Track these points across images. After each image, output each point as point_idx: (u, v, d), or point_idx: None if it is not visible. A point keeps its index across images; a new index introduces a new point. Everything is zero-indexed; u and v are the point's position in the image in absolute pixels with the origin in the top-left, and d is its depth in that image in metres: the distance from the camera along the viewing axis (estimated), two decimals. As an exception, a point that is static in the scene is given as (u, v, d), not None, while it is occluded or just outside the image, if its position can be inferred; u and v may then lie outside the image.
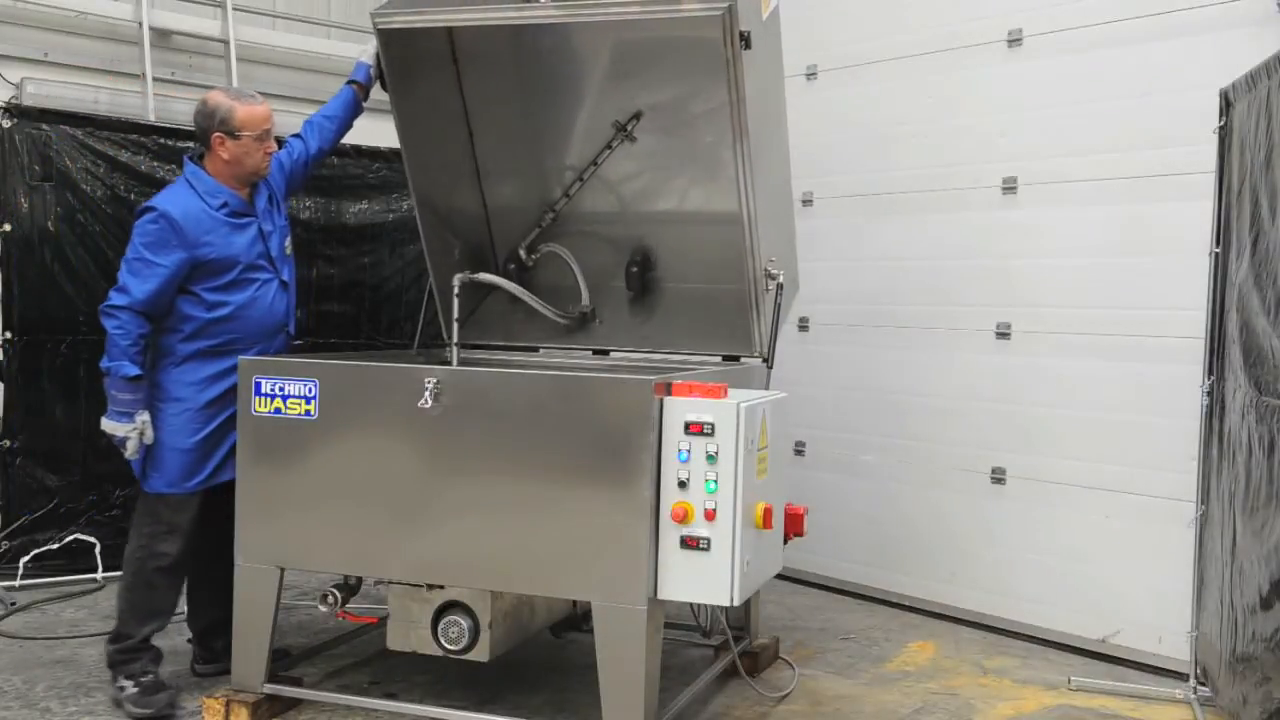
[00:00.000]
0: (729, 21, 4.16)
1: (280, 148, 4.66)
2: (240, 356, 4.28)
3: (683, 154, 4.96)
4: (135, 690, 4.32)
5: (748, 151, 4.38)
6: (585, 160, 5.13)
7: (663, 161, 5.02)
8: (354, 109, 4.89)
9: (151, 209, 4.31)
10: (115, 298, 4.24)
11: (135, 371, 4.22)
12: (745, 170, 4.42)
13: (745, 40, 4.22)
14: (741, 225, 4.51)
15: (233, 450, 4.34)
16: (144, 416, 4.27)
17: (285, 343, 4.60)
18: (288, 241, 4.65)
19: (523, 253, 5.25)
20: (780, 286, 4.69)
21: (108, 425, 4.28)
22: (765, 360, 4.73)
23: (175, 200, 4.35)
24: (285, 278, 4.58)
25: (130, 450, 4.28)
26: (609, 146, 5.05)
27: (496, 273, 5.20)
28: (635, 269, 5.07)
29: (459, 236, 5.23)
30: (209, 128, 4.39)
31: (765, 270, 4.63)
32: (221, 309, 4.36)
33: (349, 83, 4.89)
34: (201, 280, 4.33)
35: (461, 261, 5.14)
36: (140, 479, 4.43)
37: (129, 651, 4.37)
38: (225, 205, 4.40)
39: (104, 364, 4.25)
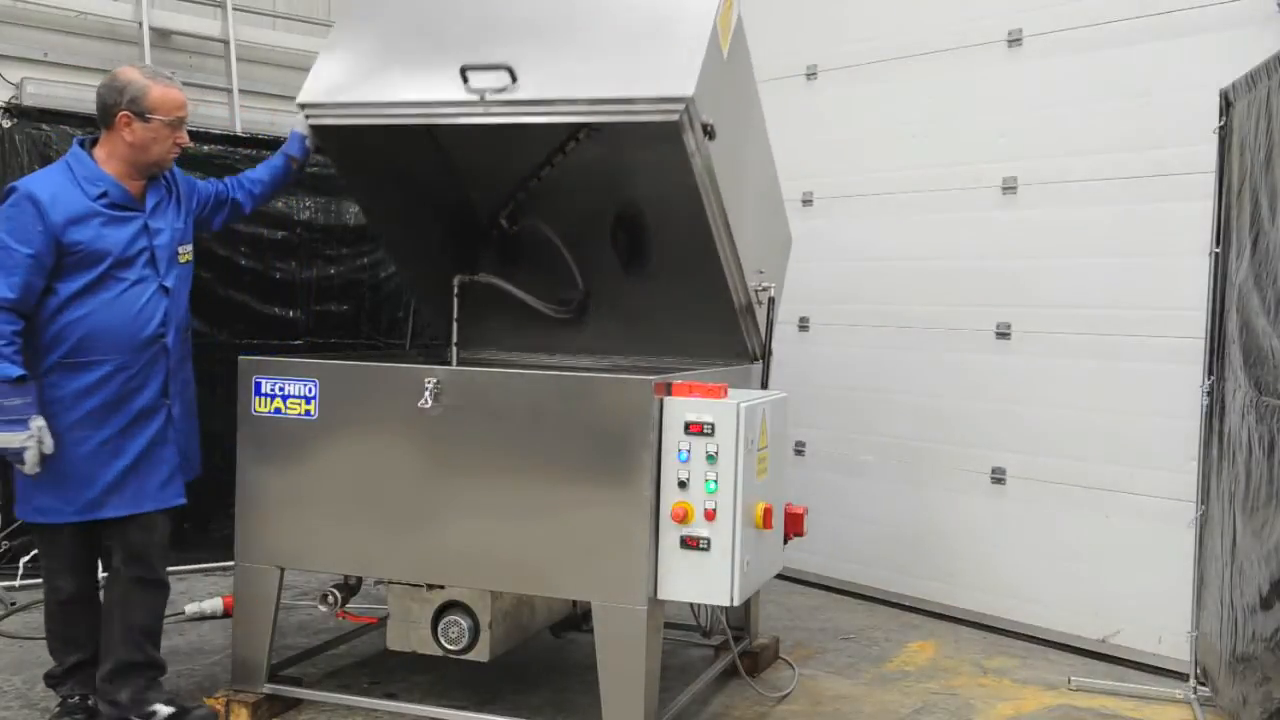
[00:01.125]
0: (688, 121, 3.92)
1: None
2: (108, 369, 3.90)
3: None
4: (57, 709, 4.18)
5: (727, 226, 4.26)
6: (553, 144, 4.88)
7: (634, 152, 4.73)
8: (283, 179, 4.58)
9: (14, 190, 3.89)
10: None
11: (18, 372, 3.75)
12: (726, 246, 4.31)
13: (709, 133, 4.00)
14: (726, 270, 4.42)
15: (119, 482, 3.96)
16: (39, 422, 3.77)
17: (162, 357, 4.05)
18: (185, 248, 4.19)
19: (504, 221, 5.13)
20: (772, 300, 4.66)
21: None
22: (761, 359, 4.72)
23: (44, 182, 3.93)
24: (169, 283, 4.07)
25: (30, 463, 3.77)
26: (574, 138, 4.80)
27: (485, 250, 5.15)
28: (621, 234, 4.94)
29: (437, 229, 5.16)
30: (115, 104, 3.94)
31: (755, 289, 4.61)
32: (78, 309, 3.89)
33: (283, 153, 4.56)
34: (63, 275, 3.88)
35: (441, 254, 5.08)
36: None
37: (53, 677, 4.21)
38: (105, 195, 3.95)
39: None
